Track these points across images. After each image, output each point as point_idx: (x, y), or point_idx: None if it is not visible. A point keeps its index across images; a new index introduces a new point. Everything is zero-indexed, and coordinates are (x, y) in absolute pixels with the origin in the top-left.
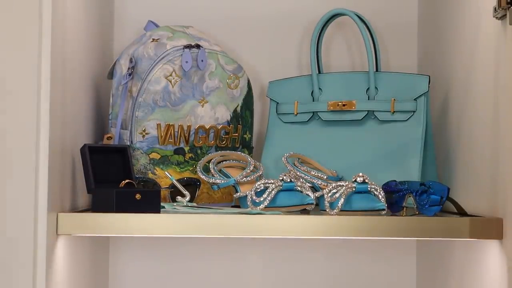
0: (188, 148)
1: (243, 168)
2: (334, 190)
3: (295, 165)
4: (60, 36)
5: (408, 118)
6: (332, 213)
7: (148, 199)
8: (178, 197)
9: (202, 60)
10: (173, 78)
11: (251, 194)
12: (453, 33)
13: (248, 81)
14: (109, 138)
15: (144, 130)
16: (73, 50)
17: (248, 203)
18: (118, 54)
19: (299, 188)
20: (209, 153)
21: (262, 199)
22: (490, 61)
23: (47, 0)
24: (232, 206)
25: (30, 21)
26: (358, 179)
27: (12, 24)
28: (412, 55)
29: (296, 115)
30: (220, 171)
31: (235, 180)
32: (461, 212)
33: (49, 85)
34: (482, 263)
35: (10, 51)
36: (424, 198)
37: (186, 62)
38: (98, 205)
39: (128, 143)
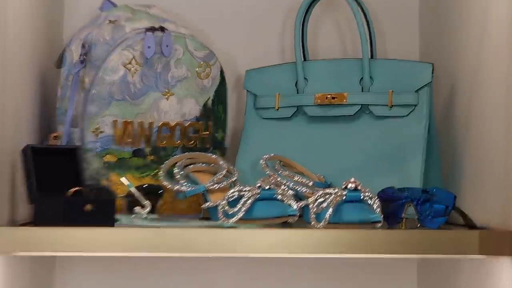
0: (149, 149)
1: (214, 173)
2: (321, 199)
3: (275, 169)
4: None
5: (409, 113)
6: (318, 226)
7: (101, 210)
8: (137, 207)
9: (167, 45)
10: (133, 67)
11: (223, 204)
12: (460, 15)
13: (221, 69)
14: (56, 137)
15: (97, 128)
16: (15, 33)
17: (220, 215)
18: (68, 38)
19: (280, 197)
20: (175, 155)
21: (236, 210)
22: (502, 48)
23: None
24: (201, 219)
25: None
26: (350, 186)
27: None
28: (413, 40)
29: (277, 110)
30: (187, 176)
31: (204, 187)
32: (470, 225)
33: None
34: (493, 284)
35: None
36: (426, 208)
37: (148, 47)
38: (41, 218)
39: (79, 144)
